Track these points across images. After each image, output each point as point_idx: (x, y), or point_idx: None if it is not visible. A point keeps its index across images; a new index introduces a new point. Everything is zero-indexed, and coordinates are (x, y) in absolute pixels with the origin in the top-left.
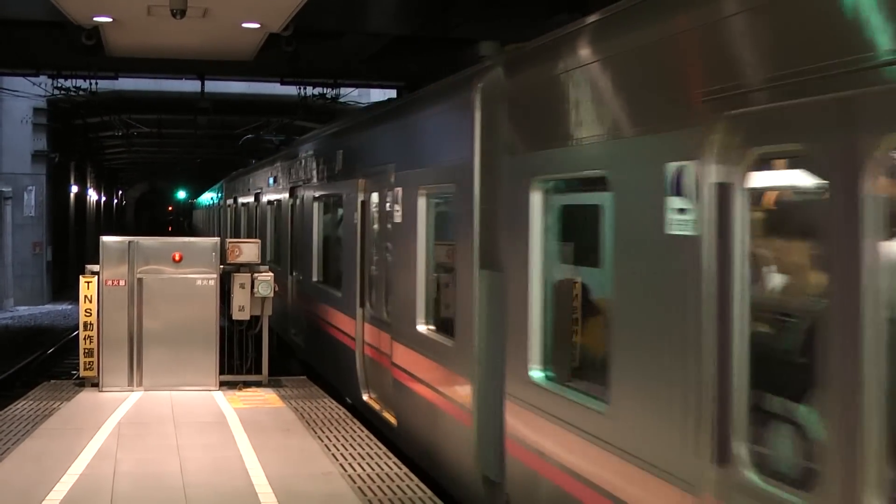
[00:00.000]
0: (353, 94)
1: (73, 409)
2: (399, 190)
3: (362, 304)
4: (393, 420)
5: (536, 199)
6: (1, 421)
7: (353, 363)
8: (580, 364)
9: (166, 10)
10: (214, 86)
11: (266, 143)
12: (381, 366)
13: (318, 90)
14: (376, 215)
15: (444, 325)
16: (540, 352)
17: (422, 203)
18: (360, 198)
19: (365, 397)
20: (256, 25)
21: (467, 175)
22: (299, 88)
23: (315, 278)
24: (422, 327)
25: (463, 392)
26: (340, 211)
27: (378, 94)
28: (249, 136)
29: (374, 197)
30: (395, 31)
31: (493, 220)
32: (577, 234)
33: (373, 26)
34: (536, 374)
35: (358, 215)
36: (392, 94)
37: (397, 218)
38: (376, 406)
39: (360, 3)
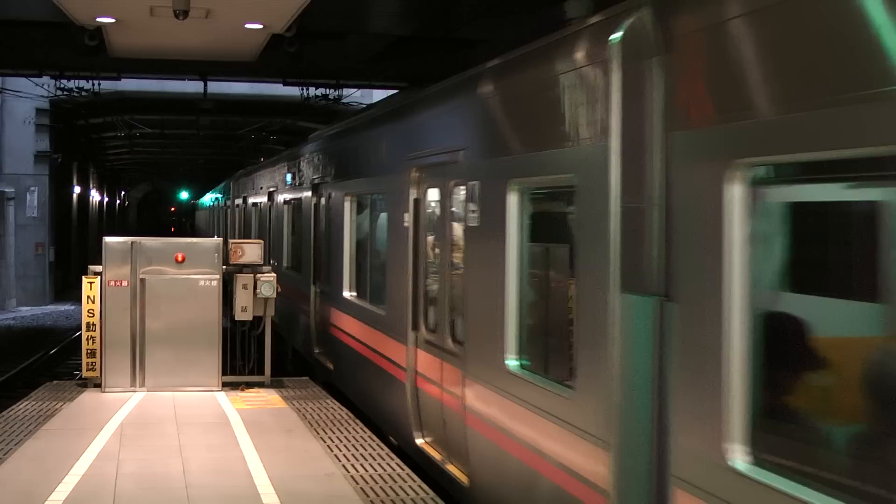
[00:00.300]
0: (355, 95)
1: (76, 409)
2: (475, 184)
3: (416, 327)
4: (463, 478)
5: (736, 194)
6: (3, 421)
7: (401, 398)
8: (823, 447)
9: (169, 10)
10: (217, 86)
11: (270, 143)
12: (445, 407)
13: (320, 91)
14: (437, 216)
15: (553, 365)
16: (745, 425)
17: (513, 201)
18: (413, 195)
19: (419, 441)
20: (259, 26)
21: (599, 161)
22: (302, 89)
23: (347, 292)
24: (514, 364)
25: (590, 463)
26: (381, 211)
27: (380, 95)
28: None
29: (433, 193)
30: (398, 31)
31: (641, 224)
32: (815, 246)
33: (375, 27)
34: (741, 462)
35: (409, 216)
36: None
37: (473, 220)
38: (436, 455)
39: (363, 4)
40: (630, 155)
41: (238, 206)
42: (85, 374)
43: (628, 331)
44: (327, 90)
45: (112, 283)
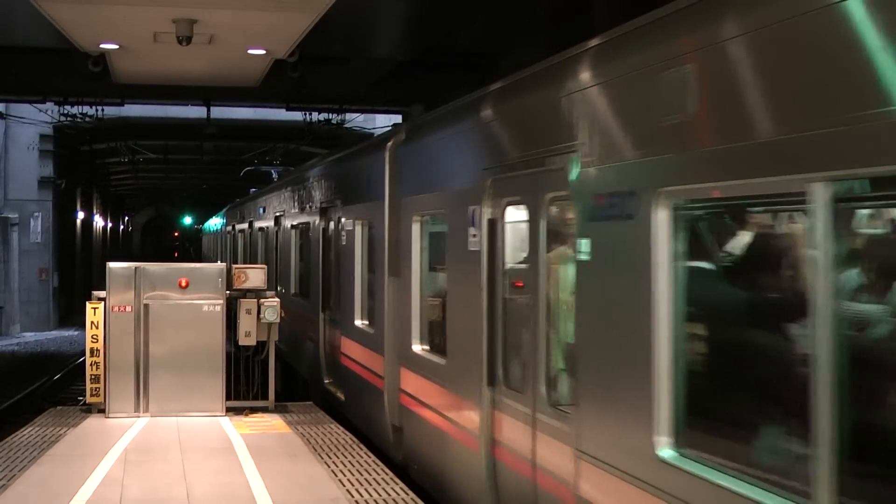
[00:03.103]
0: (358, 120)
1: (80, 435)
2: (595, 197)
3: (492, 383)
4: None
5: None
6: (7, 447)
7: (470, 470)
8: None
9: (172, 36)
10: (220, 112)
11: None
12: (543, 492)
13: (323, 116)
14: (525, 240)
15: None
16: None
17: (662, 218)
18: (487, 214)
19: None
20: (262, 52)
21: None
22: (305, 114)
23: (419, 345)
24: (670, 454)
25: None
26: (437, 235)
27: (383, 119)
28: (249, 167)
29: (515, 212)
30: (400, 56)
31: None
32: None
33: (378, 52)
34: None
35: (481, 242)
36: (397, 119)
37: (585, 246)
38: None
39: (365, 30)
40: None
41: (246, 231)
42: (89, 399)
43: None
44: (330, 115)
45: (116, 308)
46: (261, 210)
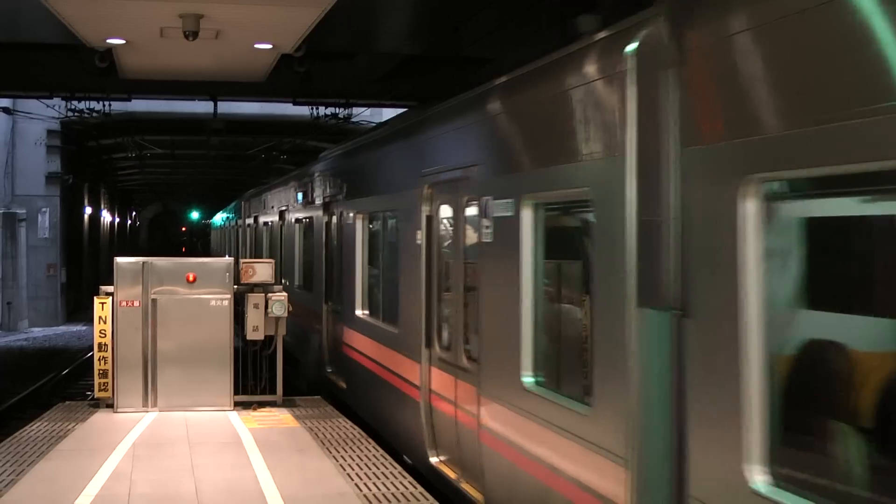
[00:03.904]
0: (365, 114)
1: (88, 430)
2: None
3: None
4: None
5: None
6: (16, 442)
7: None
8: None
9: (179, 31)
10: (227, 106)
11: (280, 162)
12: None
13: (330, 110)
14: None
15: None
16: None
17: None
18: None
19: None
20: (268, 46)
21: None
22: (311, 108)
23: (763, 478)
24: None
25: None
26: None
27: (390, 114)
28: (269, 148)
29: None
30: (407, 50)
31: None
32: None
33: (384, 46)
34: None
35: None
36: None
37: None
38: None
39: (372, 24)
40: None
41: (274, 224)
42: (97, 394)
43: None
44: (337, 109)
45: (123, 303)
46: (298, 196)
